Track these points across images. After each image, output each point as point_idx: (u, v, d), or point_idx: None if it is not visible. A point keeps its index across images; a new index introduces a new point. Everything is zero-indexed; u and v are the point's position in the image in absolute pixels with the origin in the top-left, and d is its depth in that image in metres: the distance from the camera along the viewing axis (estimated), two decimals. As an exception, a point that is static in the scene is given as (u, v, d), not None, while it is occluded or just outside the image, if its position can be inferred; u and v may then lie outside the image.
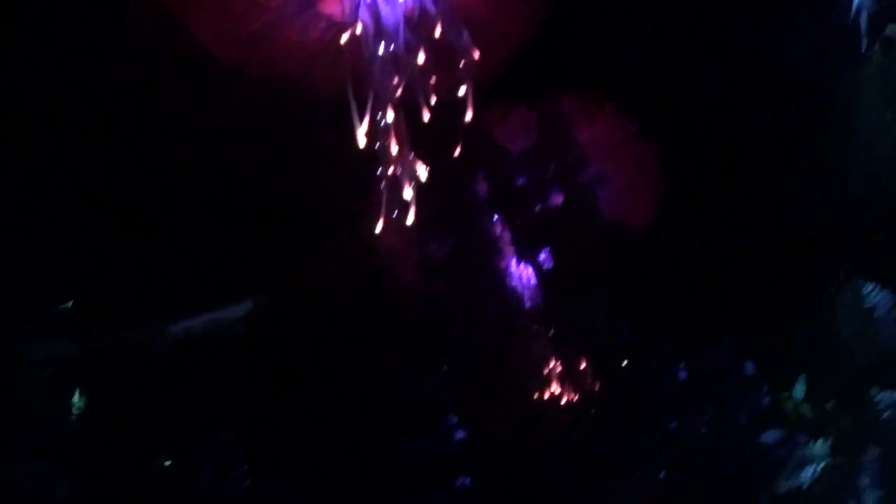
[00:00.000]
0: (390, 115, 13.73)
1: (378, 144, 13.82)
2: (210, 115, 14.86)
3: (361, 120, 13.64)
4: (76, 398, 14.57)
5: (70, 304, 14.90)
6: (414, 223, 14.42)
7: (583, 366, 14.92)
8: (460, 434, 14.53)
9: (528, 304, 14.95)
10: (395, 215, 14.21)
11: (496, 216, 15.30)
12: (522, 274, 15.07)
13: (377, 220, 14.37)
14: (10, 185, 14.73)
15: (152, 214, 15.46)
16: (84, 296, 14.74)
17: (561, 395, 14.64)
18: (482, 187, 15.29)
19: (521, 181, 15.45)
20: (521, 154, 15.72)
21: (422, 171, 13.91)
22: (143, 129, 15.06)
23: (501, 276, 15.04)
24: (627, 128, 15.59)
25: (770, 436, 13.04)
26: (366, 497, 14.54)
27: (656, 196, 15.40)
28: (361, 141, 13.59)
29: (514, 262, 15.20)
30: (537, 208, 15.36)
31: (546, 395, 14.74)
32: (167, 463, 14.85)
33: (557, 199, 15.39)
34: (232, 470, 14.95)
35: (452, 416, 14.62)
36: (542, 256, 15.19)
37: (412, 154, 14.05)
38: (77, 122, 14.86)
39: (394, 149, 13.90)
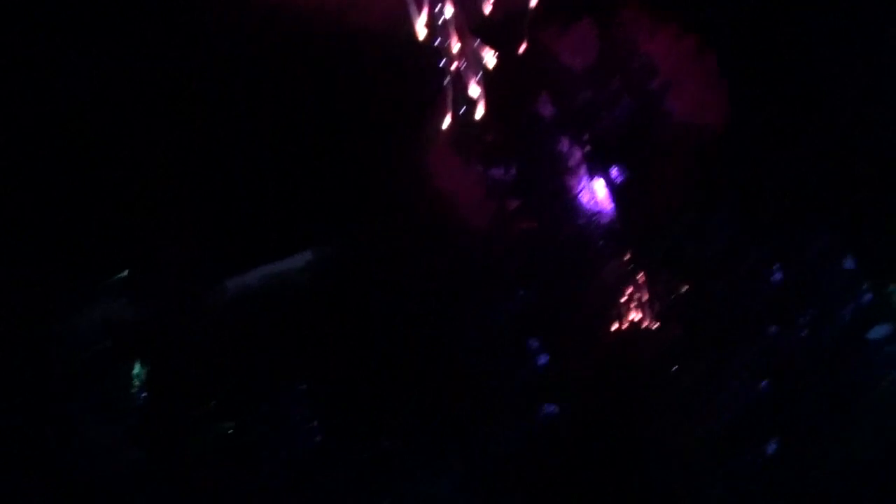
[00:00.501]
0: (449, 10, 13.19)
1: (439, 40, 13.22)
2: (258, 55, 14.44)
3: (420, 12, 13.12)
4: (137, 369, 14.28)
5: (126, 272, 14.85)
6: (480, 149, 13.93)
7: (669, 279, 13.91)
8: (543, 359, 13.63)
9: (603, 221, 13.94)
10: (461, 112, 13.54)
11: (563, 134, 14.34)
12: (595, 191, 14.06)
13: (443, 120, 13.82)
14: (64, 154, 14.53)
15: (206, 167, 14.86)
16: (140, 260, 14.70)
17: (646, 313, 13.62)
18: (546, 105, 14.35)
19: (586, 96, 14.47)
20: (584, 69, 14.77)
21: (489, 59, 13.16)
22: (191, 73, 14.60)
23: (573, 195, 14.06)
24: (690, 38, 14.51)
25: (878, 331, 12.15)
26: (449, 431, 13.80)
27: (726, 100, 14.36)
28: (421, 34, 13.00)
29: (585, 179, 14.22)
30: (605, 122, 14.39)
31: (630, 314, 13.76)
32: (230, 425, 14.49)
33: (625, 111, 14.38)
34: (301, 426, 14.43)
35: (534, 341, 13.79)
36: (615, 171, 14.18)
37: (476, 43, 13.42)
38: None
39: (455, 44, 13.32)
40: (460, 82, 14.15)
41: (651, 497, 13.28)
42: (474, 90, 13.95)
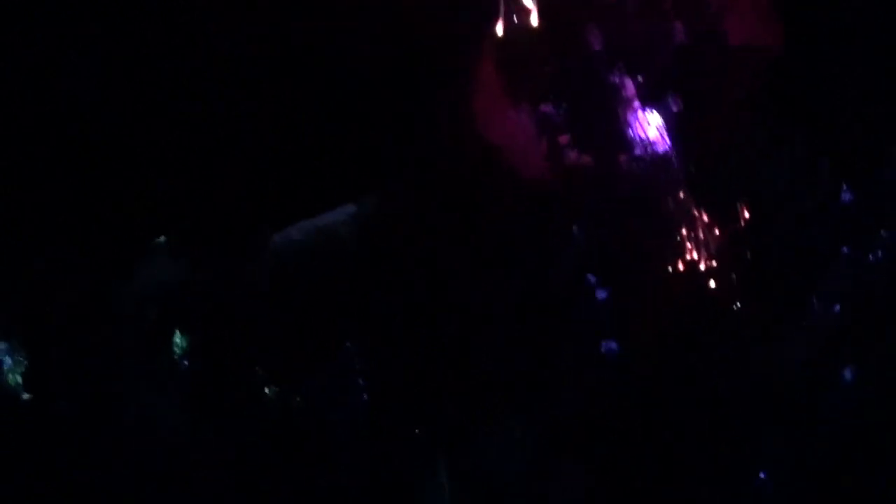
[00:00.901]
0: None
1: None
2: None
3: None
4: (177, 338, 13.65)
5: (163, 238, 14.16)
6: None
7: (731, 209, 13.21)
8: (602, 293, 12.97)
9: (660, 154, 13.24)
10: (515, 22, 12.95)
11: (615, 64, 13.59)
12: (651, 123, 13.35)
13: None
14: (100, 112, 13.86)
15: (243, 120, 14.11)
16: (179, 221, 13.97)
17: (709, 244, 12.96)
18: (596, 35, 13.59)
19: (637, 24, 13.67)
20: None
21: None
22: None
23: (628, 128, 13.34)
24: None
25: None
26: (502, 375, 13.11)
27: (783, 22, 13.65)
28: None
29: (640, 111, 13.50)
30: (659, 50, 13.61)
31: (691, 247, 13.07)
32: (274, 390, 13.79)
33: (679, 38, 13.62)
34: (348, 387, 13.69)
35: (591, 276, 13.16)
36: (670, 101, 13.46)
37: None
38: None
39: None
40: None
41: (720, 433, 12.63)
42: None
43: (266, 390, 13.60)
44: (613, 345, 12.75)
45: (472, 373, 13.25)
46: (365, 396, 13.43)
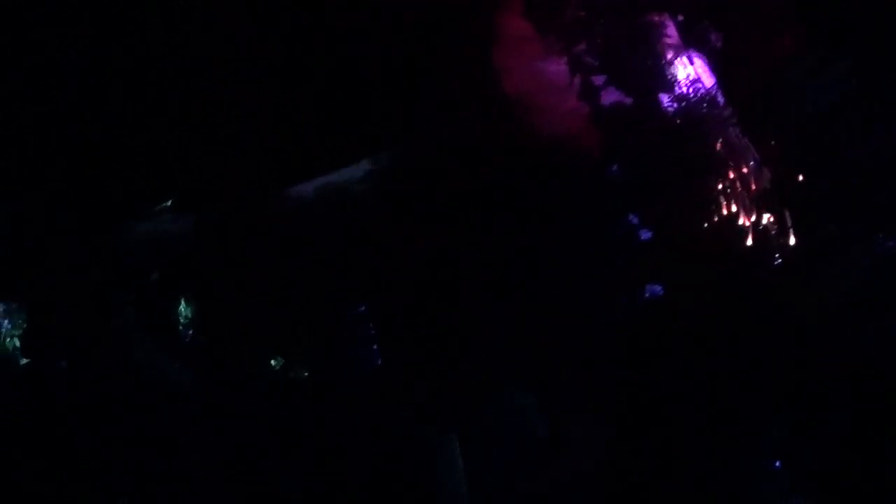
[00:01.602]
0: None
1: None
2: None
3: None
4: (182, 307, 12.96)
5: (170, 202, 13.49)
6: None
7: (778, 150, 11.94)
8: (645, 234, 11.77)
9: (702, 93, 12.03)
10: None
11: (651, 2, 12.51)
12: (691, 61, 12.20)
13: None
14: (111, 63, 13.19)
15: (257, 77, 13.32)
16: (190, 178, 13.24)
17: (755, 181, 11.70)
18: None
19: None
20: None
21: None
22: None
23: (666, 66, 12.20)
24: None
25: None
26: (535, 321, 12.13)
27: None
28: None
29: (679, 48, 12.34)
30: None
31: (737, 191, 11.80)
32: (280, 361, 12.92)
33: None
34: (362, 349, 12.72)
35: (632, 217, 11.97)
36: (712, 37, 12.29)
37: None
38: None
39: None
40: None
41: (763, 376, 11.60)
42: None
43: (272, 362, 12.81)
44: (658, 289, 11.73)
45: (496, 337, 12.21)
46: (379, 362, 12.53)
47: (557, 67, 13.37)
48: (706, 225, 12.01)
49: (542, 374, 12.05)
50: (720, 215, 11.94)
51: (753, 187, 12.37)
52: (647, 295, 11.79)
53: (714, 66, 12.35)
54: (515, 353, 12.18)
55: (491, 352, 12.20)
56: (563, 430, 11.84)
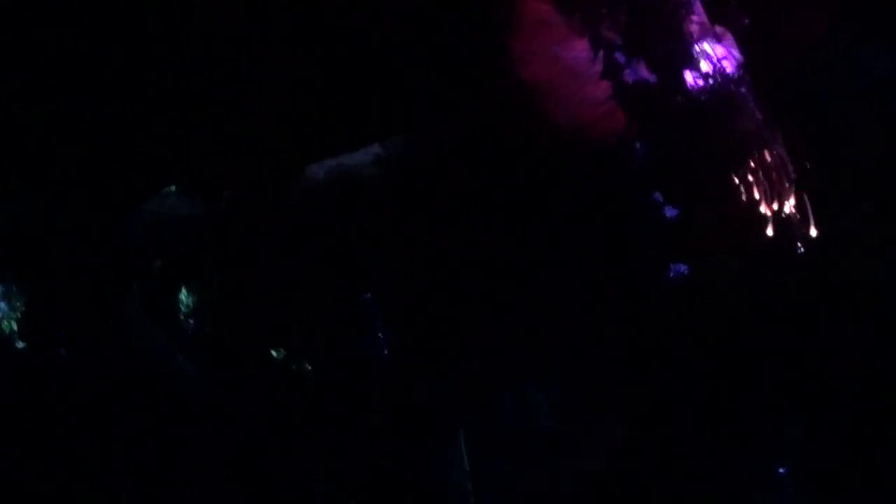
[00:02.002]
0: None
1: None
2: None
3: None
4: (183, 295, 12.48)
5: (173, 187, 13.05)
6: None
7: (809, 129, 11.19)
8: (671, 211, 11.10)
9: (730, 72, 11.36)
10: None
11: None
12: (719, 39, 11.53)
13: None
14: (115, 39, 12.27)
15: (264, 53, 12.45)
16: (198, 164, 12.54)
17: (784, 161, 10.95)
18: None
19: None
20: None
21: None
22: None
23: (694, 47, 11.52)
24: None
25: None
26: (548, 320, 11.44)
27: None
28: None
29: (706, 27, 11.69)
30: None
31: (767, 170, 11.06)
32: (282, 352, 12.35)
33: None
34: (369, 328, 12.17)
35: (656, 194, 11.28)
36: (740, 14, 11.59)
37: None
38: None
39: None
40: None
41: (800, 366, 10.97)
42: None
43: (274, 353, 12.30)
44: (683, 268, 11.07)
45: (507, 323, 11.61)
46: (385, 352, 11.97)
47: (576, 53, 12.88)
48: (729, 212, 11.46)
49: (552, 369, 11.52)
50: (741, 202, 11.35)
51: (776, 175, 11.81)
52: (671, 275, 11.24)
53: (742, 45, 11.82)
54: (523, 348, 11.67)
55: (496, 347, 11.69)
56: (572, 427, 11.27)
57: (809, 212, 11.16)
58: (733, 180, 11.20)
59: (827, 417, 10.93)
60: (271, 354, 12.34)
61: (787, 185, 11.30)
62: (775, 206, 11.25)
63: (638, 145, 11.63)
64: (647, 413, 11.16)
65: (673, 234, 11.39)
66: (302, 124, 13.04)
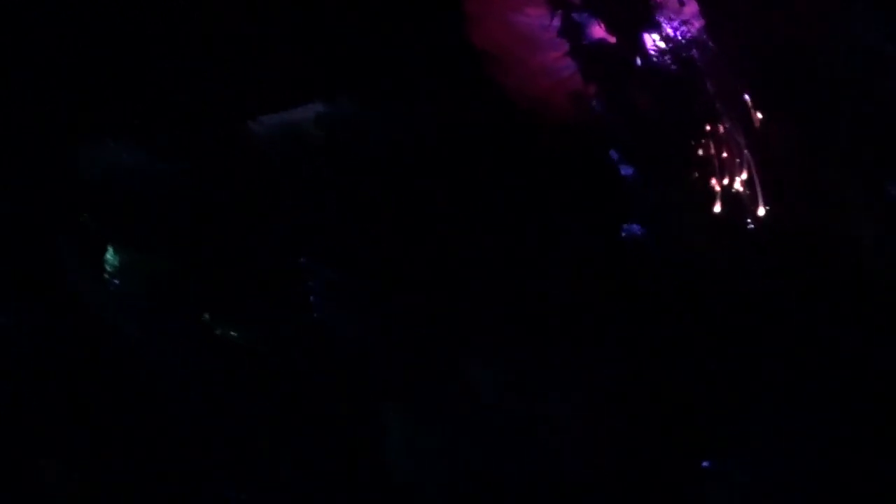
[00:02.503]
0: None
1: None
2: None
3: None
4: (110, 255, 12.00)
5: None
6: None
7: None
8: (627, 170, 11.00)
9: (695, 33, 11.02)
10: None
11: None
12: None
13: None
14: None
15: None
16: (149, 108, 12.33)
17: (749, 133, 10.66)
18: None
19: None
20: None
21: None
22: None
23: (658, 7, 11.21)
24: None
25: None
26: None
27: None
28: None
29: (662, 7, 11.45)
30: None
31: (728, 133, 10.73)
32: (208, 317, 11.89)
33: None
34: (300, 307, 11.64)
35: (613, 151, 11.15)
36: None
37: None
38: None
39: None
40: None
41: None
42: None
43: (206, 316, 11.74)
44: (636, 228, 10.96)
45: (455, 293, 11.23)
46: (315, 315, 11.53)
47: (529, 20, 12.47)
48: (684, 176, 11.12)
49: (497, 344, 11.17)
50: (695, 173, 11.03)
51: (727, 151, 11.49)
52: (623, 234, 10.99)
53: (705, 10, 11.44)
54: (466, 322, 11.30)
55: (438, 320, 11.32)
56: (517, 403, 10.90)
57: (759, 191, 11.01)
58: (691, 145, 10.91)
59: (780, 408, 10.69)
60: (203, 317, 11.86)
61: (737, 161, 11.11)
62: (725, 182, 10.97)
63: (595, 103, 11.39)
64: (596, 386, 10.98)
65: (630, 194, 11.22)
66: (246, 78, 12.58)
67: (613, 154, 11.09)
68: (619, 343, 10.94)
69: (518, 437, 10.89)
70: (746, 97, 11.11)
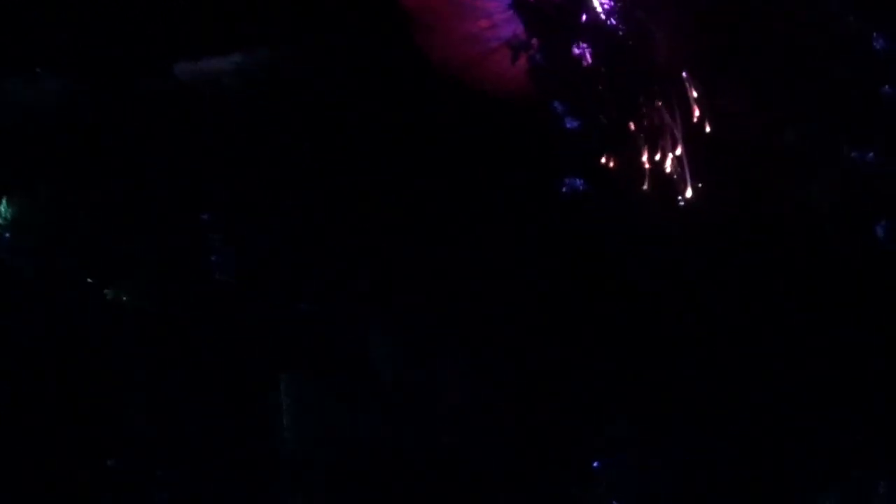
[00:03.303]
0: None
1: None
2: None
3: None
4: (3, 206, 11.24)
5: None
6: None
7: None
8: (571, 123, 10.48)
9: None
10: None
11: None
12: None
13: None
14: None
15: None
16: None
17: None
18: None
19: None
20: None
21: None
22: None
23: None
24: None
25: None
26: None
27: None
28: None
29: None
30: None
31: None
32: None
33: None
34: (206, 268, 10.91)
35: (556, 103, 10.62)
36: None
37: None
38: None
39: None
40: None
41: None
42: None
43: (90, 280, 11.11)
44: (579, 182, 10.53)
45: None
46: (217, 276, 10.90)
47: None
48: (625, 138, 10.60)
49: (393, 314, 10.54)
50: (631, 143, 10.51)
51: (662, 127, 10.92)
52: (564, 189, 10.43)
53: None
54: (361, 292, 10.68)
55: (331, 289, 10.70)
56: (413, 374, 10.31)
57: (688, 173, 10.43)
58: (637, 101, 10.35)
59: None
60: (90, 278, 11.25)
61: (670, 140, 10.47)
62: (657, 158, 10.43)
63: (538, 56, 10.75)
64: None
65: (573, 148, 10.60)
66: (161, 22, 11.80)
67: (557, 106, 10.58)
68: (533, 327, 10.40)
69: (414, 416, 10.29)
70: (694, 58, 10.58)
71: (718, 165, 10.33)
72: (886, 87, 10.05)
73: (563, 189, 10.33)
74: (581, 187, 10.29)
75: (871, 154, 9.98)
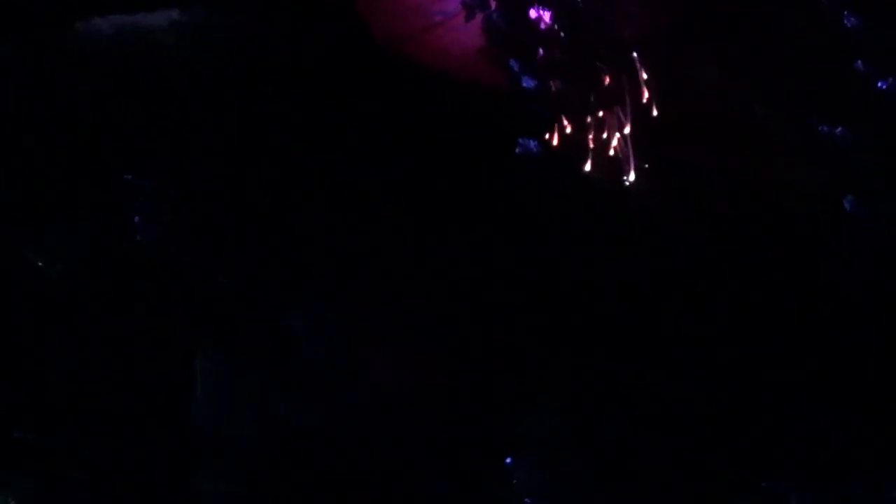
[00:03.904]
0: None
1: None
2: None
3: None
4: None
5: None
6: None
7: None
8: (528, 82, 10.59)
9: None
10: None
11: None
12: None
13: None
14: None
15: None
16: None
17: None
18: None
19: None
20: None
21: None
22: None
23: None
24: None
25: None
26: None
27: None
28: None
29: None
30: None
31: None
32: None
33: None
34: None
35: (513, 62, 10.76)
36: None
37: None
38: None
39: None
40: None
41: None
42: None
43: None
44: (532, 143, 10.47)
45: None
46: (138, 238, 10.50)
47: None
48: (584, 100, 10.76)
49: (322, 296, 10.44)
50: (595, 94, 10.66)
51: (613, 108, 11.15)
52: (518, 150, 10.44)
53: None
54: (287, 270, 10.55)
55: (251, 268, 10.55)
56: (343, 360, 10.26)
57: (632, 157, 10.53)
58: (595, 65, 10.52)
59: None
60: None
61: (616, 123, 10.73)
62: (603, 138, 10.77)
63: (496, 16, 10.85)
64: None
65: (529, 106, 10.71)
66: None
67: (514, 64, 10.65)
68: (461, 317, 10.38)
69: (335, 394, 10.17)
70: (662, 30, 10.80)
71: (673, 142, 10.44)
72: (858, 62, 10.39)
73: (517, 150, 10.42)
74: (535, 149, 10.37)
75: (840, 129, 10.27)
